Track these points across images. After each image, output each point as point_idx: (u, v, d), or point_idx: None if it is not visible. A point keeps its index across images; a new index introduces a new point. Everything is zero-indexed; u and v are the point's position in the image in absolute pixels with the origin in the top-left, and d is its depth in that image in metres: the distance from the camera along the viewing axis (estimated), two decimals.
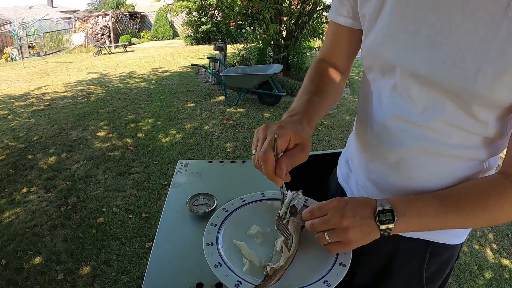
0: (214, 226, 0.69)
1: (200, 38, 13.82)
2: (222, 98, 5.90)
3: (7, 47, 15.41)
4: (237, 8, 7.60)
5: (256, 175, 0.61)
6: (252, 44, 8.12)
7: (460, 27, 0.53)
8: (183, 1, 11.44)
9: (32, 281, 2.18)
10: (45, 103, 5.87)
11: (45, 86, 7.32)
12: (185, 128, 4.69)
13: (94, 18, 16.97)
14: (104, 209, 2.93)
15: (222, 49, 6.95)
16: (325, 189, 0.99)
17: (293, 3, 7.22)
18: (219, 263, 0.60)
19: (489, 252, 2.69)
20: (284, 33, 7.42)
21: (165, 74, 8.04)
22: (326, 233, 0.57)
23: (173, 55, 11.02)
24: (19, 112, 5.42)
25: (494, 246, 2.78)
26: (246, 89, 5.47)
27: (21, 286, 2.15)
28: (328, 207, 0.59)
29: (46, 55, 15.21)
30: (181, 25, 15.64)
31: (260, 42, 7.48)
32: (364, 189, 0.77)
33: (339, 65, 0.81)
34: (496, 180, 0.60)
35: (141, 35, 17.55)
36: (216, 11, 12.32)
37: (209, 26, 12.82)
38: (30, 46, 15.39)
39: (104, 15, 16.82)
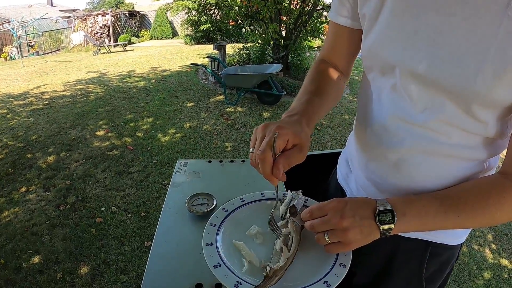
0: (214, 226, 0.69)
1: (200, 38, 13.81)
2: (221, 97, 5.90)
3: (6, 46, 15.39)
4: (236, 7, 7.59)
5: (256, 175, 0.60)
6: (251, 44, 8.11)
7: (459, 26, 0.53)
8: (182, 0, 11.44)
9: (30, 281, 2.17)
10: (44, 102, 5.86)
11: (44, 85, 7.31)
12: (184, 127, 4.69)
13: (94, 17, 16.95)
14: (103, 209, 2.92)
15: (221, 49, 6.95)
16: (325, 189, 0.98)
17: (292, 2, 7.21)
18: (218, 263, 0.60)
19: (488, 252, 2.69)
20: (283, 33, 7.41)
21: (165, 73, 8.03)
22: (326, 234, 0.57)
23: (172, 54, 11.01)
24: (18, 111, 5.41)
25: (493, 246, 2.78)
26: (246, 89, 5.47)
27: (19, 285, 2.14)
28: (327, 208, 0.58)
29: (45, 54, 15.19)
30: (181, 24, 15.64)
31: (260, 41, 7.47)
32: (364, 189, 0.77)
33: (339, 65, 0.81)
34: (496, 180, 0.59)
35: (141, 34, 17.54)
36: (215, 10, 12.31)
37: (209, 25, 12.81)
38: (29, 45, 15.37)
39: (104, 14, 16.81)
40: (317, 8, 7.07)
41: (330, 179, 0.99)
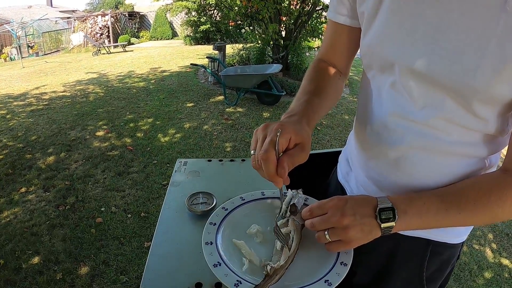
0: (213, 225, 0.68)
1: (199, 38, 13.81)
2: (221, 97, 5.90)
3: (6, 46, 15.39)
4: (236, 8, 7.60)
5: (256, 174, 0.60)
6: (251, 44, 8.12)
7: (458, 22, 0.53)
8: (182, 1, 11.45)
9: (30, 281, 2.17)
10: (44, 103, 5.86)
11: (44, 85, 7.30)
12: (184, 127, 4.68)
13: (93, 18, 16.96)
14: (103, 209, 2.92)
15: (221, 49, 6.95)
16: (325, 187, 0.98)
17: (292, 3, 7.21)
18: (218, 262, 0.59)
19: (488, 252, 2.69)
20: (283, 33, 7.42)
21: (164, 74, 8.03)
22: (326, 232, 0.57)
23: (172, 55, 11.01)
24: (18, 112, 5.41)
25: (494, 245, 2.78)
26: (246, 89, 5.47)
27: (19, 286, 2.14)
28: (328, 206, 0.58)
29: (45, 54, 15.19)
30: (180, 25, 15.63)
31: (260, 42, 7.47)
32: (364, 187, 0.77)
33: (338, 65, 0.81)
34: (497, 177, 0.59)
35: (140, 35, 17.54)
36: (215, 11, 12.34)
37: (208, 26, 12.82)
38: (29, 46, 15.36)
39: (103, 15, 16.81)
40: (316, 9, 7.07)
41: (330, 178, 0.99)
